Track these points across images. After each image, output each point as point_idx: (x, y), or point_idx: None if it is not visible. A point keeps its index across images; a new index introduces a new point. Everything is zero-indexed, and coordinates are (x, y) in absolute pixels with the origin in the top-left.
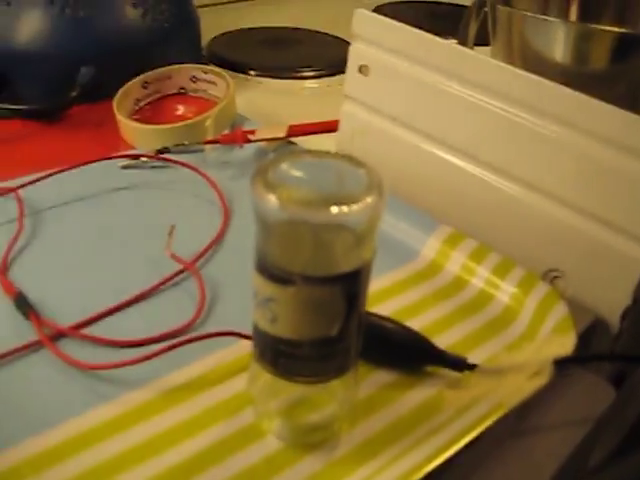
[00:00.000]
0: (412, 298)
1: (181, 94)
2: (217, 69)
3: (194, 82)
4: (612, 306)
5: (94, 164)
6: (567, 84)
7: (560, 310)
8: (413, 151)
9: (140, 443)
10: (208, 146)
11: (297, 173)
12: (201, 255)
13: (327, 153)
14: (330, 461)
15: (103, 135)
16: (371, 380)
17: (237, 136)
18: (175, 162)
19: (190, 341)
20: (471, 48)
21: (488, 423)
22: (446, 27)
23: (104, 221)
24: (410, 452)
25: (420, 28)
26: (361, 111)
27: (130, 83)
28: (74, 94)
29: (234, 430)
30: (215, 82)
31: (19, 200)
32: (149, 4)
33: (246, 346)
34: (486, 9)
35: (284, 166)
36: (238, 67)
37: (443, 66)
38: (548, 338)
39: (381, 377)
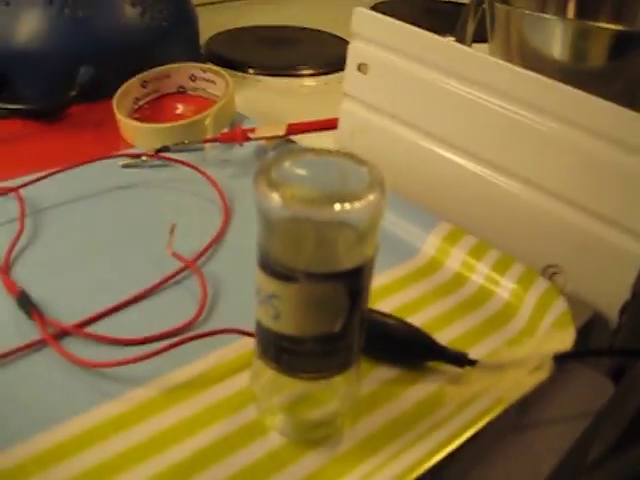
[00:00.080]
0: (412, 295)
1: (180, 93)
2: (216, 68)
3: (193, 81)
4: (611, 301)
5: (94, 163)
6: (565, 81)
7: (559, 306)
8: (412, 149)
9: (143, 441)
10: (208, 145)
11: (300, 171)
12: (202, 253)
13: (329, 151)
14: (333, 457)
15: (103, 134)
16: (373, 376)
17: (237, 134)
18: (175, 161)
19: (193, 339)
20: (469, 46)
21: (489, 418)
22: (444, 25)
23: (105, 220)
24: (412, 447)
25: (418, 26)
26: (360, 109)
27: (129, 82)
28: (73, 93)
29: (237, 427)
30: (214, 81)
31: (20, 199)
32: (147, 3)
33: (248, 343)
34: (484, 6)
35: (287, 164)
36: (236, 66)
37: (441, 64)
38: (548, 333)
39: (383, 373)
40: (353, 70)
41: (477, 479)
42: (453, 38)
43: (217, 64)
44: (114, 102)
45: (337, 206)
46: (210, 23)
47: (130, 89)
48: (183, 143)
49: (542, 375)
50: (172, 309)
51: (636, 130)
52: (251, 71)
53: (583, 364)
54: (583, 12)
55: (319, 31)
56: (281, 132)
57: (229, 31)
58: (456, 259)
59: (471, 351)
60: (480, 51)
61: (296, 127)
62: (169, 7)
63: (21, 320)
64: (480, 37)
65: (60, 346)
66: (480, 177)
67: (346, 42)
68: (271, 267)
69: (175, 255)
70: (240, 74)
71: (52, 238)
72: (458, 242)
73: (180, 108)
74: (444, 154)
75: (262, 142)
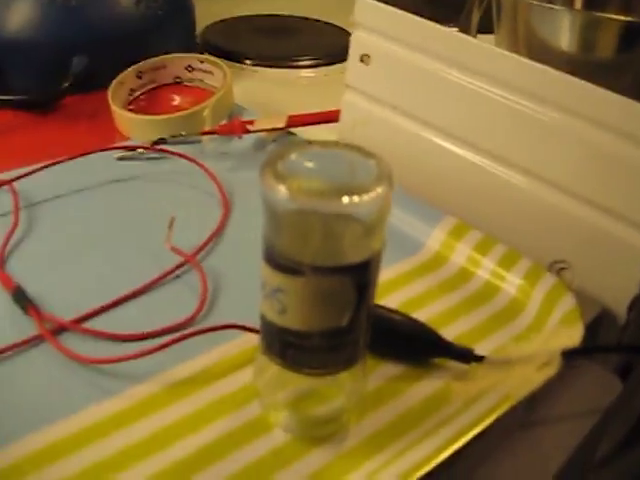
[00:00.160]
0: (417, 290)
1: (176, 84)
2: (213, 58)
3: (190, 71)
4: (619, 297)
5: (89, 156)
6: (573, 73)
7: (567, 301)
8: (415, 141)
9: (144, 438)
10: (206, 137)
11: (307, 163)
12: (202, 248)
13: (336, 143)
14: (338, 454)
15: (97, 126)
16: (378, 372)
17: (236, 126)
18: (172, 153)
19: (194, 334)
20: (474, 36)
21: (496, 415)
22: (448, 14)
23: (101, 214)
24: (418, 444)
25: (421, 16)
26: (362, 101)
27: (124, 73)
28: (67, 84)
29: (240, 423)
30: (211, 71)
31: (14, 192)
32: None
33: (250, 339)
34: None
35: (293, 156)
36: (233, 56)
37: (445, 54)
38: (556, 329)
39: (388, 369)
40: (355, 61)
41: (484, 477)
42: (457, 28)
43: (213, 54)
44: (109, 93)
45: (345, 199)
46: (205, 12)
47: (125, 80)
48: (180, 135)
49: (550, 371)
50: (172, 304)
51: None
52: (248, 62)
53: (590, 361)
54: (591, 3)
55: (318, 21)
56: (281, 124)
57: (225, 20)
58: (461, 254)
59: (477, 347)
60: (485, 42)
61: (296, 119)
62: None
63: (17, 316)
64: (485, 28)
65: (58, 342)
66: (485, 170)
67: (346, 32)
68: (277, 261)
69: (174, 249)
70: (237, 65)
71: (47, 232)
72: (463, 237)
73: (177, 99)
74: (448, 146)
75: (261, 134)
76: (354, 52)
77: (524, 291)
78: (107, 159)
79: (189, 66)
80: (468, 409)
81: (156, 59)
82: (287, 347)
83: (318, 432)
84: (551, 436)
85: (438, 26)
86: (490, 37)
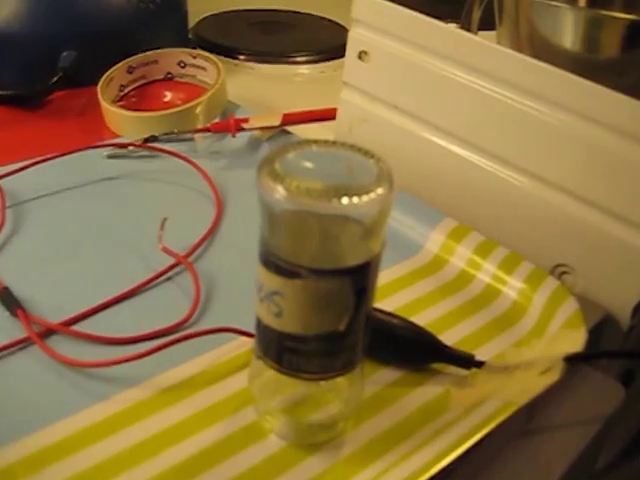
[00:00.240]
0: (416, 293)
1: (168, 79)
2: (207, 53)
3: (182, 67)
4: (623, 301)
5: (78, 153)
6: (576, 72)
7: (570, 306)
8: (414, 141)
9: (135, 444)
10: (198, 135)
11: (305, 163)
12: (194, 248)
13: (334, 143)
14: (334, 461)
15: (86, 123)
16: (376, 378)
17: (230, 124)
18: (164, 151)
19: (187, 338)
20: (475, 33)
21: (496, 422)
22: (449, 10)
23: (91, 213)
24: (416, 452)
25: (421, 12)
26: (360, 99)
27: (114, 68)
28: (55, 79)
29: (234, 430)
30: (204, 67)
31: (0, 191)
32: None
33: (245, 343)
34: None
35: (291, 156)
36: (227, 51)
37: (446, 52)
38: (558, 334)
39: (386, 375)
40: (353, 58)
41: None
42: (457, 25)
43: (205, 50)
44: (98, 88)
45: (344, 200)
46: (198, 6)
47: (115, 75)
48: (172, 133)
49: (553, 377)
50: (164, 307)
51: None
52: (242, 57)
53: (592, 367)
54: (595, 0)
55: (314, 15)
56: (276, 122)
57: (219, 14)
58: (461, 257)
59: (478, 352)
60: (487, 39)
61: (292, 117)
62: None
63: (4, 318)
64: (486, 23)
65: (46, 345)
66: (486, 171)
67: (343, 27)
68: (274, 263)
69: (166, 250)
70: (230, 60)
71: (35, 232)
72: (463, 239)
73: (168, 96)
74: (448, 147)
75: (256, 133)
76: (352, 49)
77: (525, 295)
78: (96, 157)
79: (181, 61)
80: (468, 416)
81: (147, 54)
82: (283, 351)
83: (314, 439)
84: (552, 444)
85: (438, 22)
86: (492, 33)
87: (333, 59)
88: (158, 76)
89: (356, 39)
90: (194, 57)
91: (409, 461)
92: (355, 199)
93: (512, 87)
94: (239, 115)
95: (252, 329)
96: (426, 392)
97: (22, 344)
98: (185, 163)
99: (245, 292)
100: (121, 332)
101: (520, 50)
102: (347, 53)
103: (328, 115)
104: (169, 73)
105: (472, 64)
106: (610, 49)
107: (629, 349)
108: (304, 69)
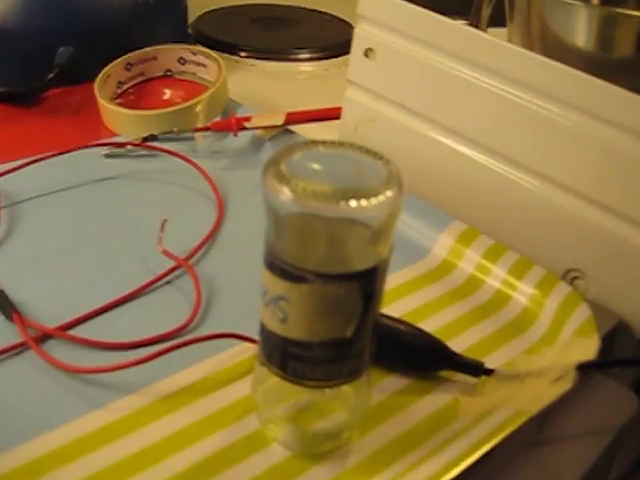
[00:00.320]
0: (424, 299)
1: (167, 77)
2: (207, 50)
3: (182, 64)
4: (636, 308)
5: (75, 152)
6: (590, 72)
7: (583, 312)
8: (422, 141)
9: (133, 454)
10: (199, 134)
11: (311, 165)
12: (195, 251)
13: (342, 144)
14: (340, 472)
15: (83, 121)
16: (382, 385)
17: (231, 123)
18: (163, 151)
19: (187, 343)
20: (484, 30)
21: (506, 432)
22: (458, 7)
23: (88, 214)
24: (424, 463)
25: (429, 8)
26: (366, 98)
27: (112, 64)
28: (51, 76)
29: (236, 438)
30: (205, 64)
31: None
32: None
33: (247, 349)
34: None
35: (297, 157)
36: (228, 48)
37: (454, 50)
38: (570, 342)
39: (393, 382)
40: (359, 55)
41: None
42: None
43: (206, 46)
44: (96, 86)
45: (352, 202)
46: (198, 1)
47: (113, 72)
48: (172, 132)
49: (565, 386)
50: (163, 311)
51: None
52: (243, 54)
53: (605, 375)
54: None
55: (318, 11)
56: (279, 121)
57: (219, 10)
58: (470, 261)
59: (487, 360)
60: (497, 36)
61: (296, 116)
62: None
63: None
64: (497, 20)
65: (42, 350)
66: (496, 173)
67: (347, 23)
68: (279, 267)
69: (166, 253)
70: (232, 57)
71: (30, 234)
72: (472, 243)
73: (167, 93)
74: (457, 147)
75: (258, 132)
76: (358, 46)
77: (537, 301)
78: (94, 156)
79: (181, 58)
80: (477, 425)
81: (146, 50)
82: (288, 358)
83: (319, 448)
84: (563, 455)
85: (447, 19)
86: (502, 30)
87: (337, 56)
88: (157, 73)
89: (362, 36)
90: (194, 54)
91: (416, 472)
92: (363, 202)
93: (523, 86)
94: (240, 114)
95: (255, 334)
96: (434, 400)
97: (18, 349)
98: (185, 163)
99: (248, 296)
100: (120, 337)
101: (531, 48)
102: (352, 50)
103: (332, 114)
104: (168, 70)
105: (482, 62)
106: (625, 48)
107: None
108: (307, 66)
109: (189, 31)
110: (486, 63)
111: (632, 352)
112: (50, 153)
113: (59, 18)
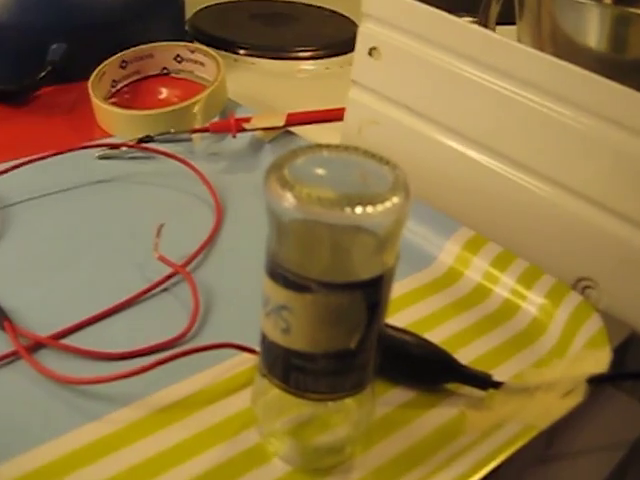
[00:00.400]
0: (429, 308)
1: (164, 75)
2: (205, 48)
3: (179, 62)
4: None
5: (67, 154)
6: (602, 73)
7: (594, 323)
8: (429, 145)
9: (128, 468)
10: (196, 135)
11: (315, 170)
12: (193, 257)
13: (347, 148)
14: None
15: (76, 120)
16: (387, 398)
17: (230, 124)
18: (159, 152)
19: (185, 354)
20: (493, 29)
21: (515, 448)
22: (465, 4)
23: (81, 219)
24: (429, 479)
25: (436, 5)
26: (370, 99)
27: (107, 62)
28: (43, 74)
29: (235, 453)
30: (203, 62)
31: None
32: None
33: (247, 359)
34: None
35: (301, 162)
36: (226, 45)
37: (462, 49)
38: (581, 354)
39: (397, 395)
40: (363, 55)
41: None
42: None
43: (203, 43)
44: (89, 84)
45: (358, 209)
46: None
47: (107, 70)
48: (168, 133)
49: (575, 400)
50: (160, 319)
51: None
52: (242, 52)
53: (616, 389)
54: None
55: (319, 7)
56: (280, 123)
57: (217, 5)
58: (478, 269)
59: (495, 372)
60: (506, 35)
61: (297, 117)
62: None
63: None
64: (506, 18)
65: (34, 359)
66: (504, 178)
67: (350, 20)
68: (281, 275)
69: (162, 259)
70: (230, 55)
71: (22, 238)
72: (480, 250)
73: (164, 92)
74: (464, 151)
75: (258, 133)
76: (362, 45)
77: (546, 311)
78: (87, 158)
79: (178, 56)
80: (484, 440)
81: (142, 47)
82: (290, 369)
83: (321, 463)
84: (574, 471)
85: (454, 18)
86: (511, 28)
87: (339, 54)
88: (153, 71)
89: (366, 34)
90: (192, 51)
91: None
92: (369, 208)
93: (533, 87)
94: (240, 114)
95: (255, 345)
96: (440, 414)
97: (8, 358)
98: (182, 165)
99: (247, 305)
100: (115, 347)
101: (541, 48)
102: (356, 49)
103: (335, 116)
104: (165, 68)
105: (490, 62)
106: (638, 48)
107: None
108: (308, 65)
109: (187, 28)
110: (495, 63)
111: None
112: (41, 154)
113: (52, 14)
